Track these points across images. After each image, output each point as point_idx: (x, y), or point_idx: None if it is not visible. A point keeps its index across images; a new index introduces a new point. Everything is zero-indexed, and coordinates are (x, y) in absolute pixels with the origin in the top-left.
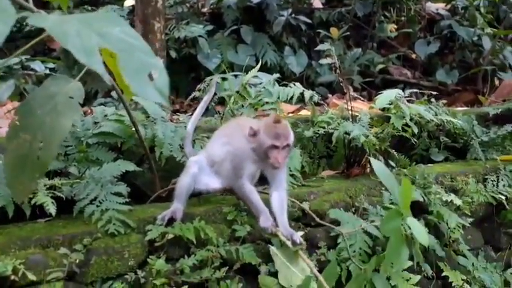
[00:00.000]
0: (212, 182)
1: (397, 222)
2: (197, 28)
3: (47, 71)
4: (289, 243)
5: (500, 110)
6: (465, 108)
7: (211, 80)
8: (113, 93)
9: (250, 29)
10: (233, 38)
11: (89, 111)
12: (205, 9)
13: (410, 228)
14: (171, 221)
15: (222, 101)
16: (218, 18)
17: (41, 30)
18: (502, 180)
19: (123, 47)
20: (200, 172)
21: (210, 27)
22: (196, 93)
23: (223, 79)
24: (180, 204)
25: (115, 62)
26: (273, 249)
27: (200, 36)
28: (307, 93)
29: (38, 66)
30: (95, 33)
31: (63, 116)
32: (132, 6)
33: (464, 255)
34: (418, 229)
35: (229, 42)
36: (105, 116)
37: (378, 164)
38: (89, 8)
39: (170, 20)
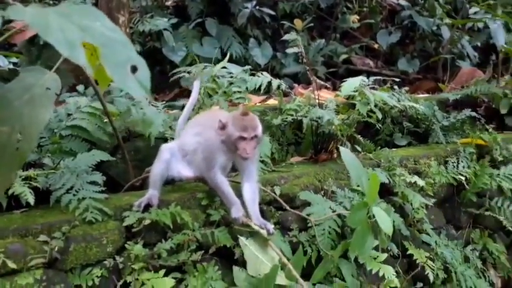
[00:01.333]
0: (184, 170)
1: (363, 213)
2: (162, 21)
3: (10, 66)
4: (263, 232)
5: (459, 96)
6: (426, 95)
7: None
8: (79, 88)
9: (215, 22)
10: (198, 30)
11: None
12: (169, 2)
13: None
14: (147, 207)
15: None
16: (182, 11)
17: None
18: (462, 162)
19: (105, 41)
20: (172, 159)
21: (174, 21)
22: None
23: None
24: (155, 191)
25: (89, 54)
26: (242, 240)
27: (165, 29)
28: (275, 82)
29: (1, 61)
30: (77, 27)
31: (41, 106)
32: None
33: (428, 234)
34: (382, 218)
35: (194, 35)
36: (78, 107)
37: (346, 152)
38: (50, 1)
39: (134, 13)
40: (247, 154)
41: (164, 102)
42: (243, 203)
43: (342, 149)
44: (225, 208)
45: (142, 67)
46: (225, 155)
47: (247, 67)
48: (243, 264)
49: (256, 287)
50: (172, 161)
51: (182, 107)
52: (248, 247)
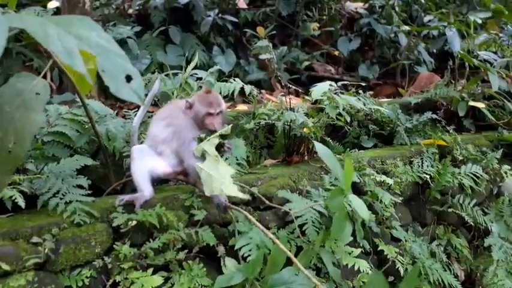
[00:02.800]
0: (160, 166)
1: (341, 200)
2: (125, 29)
3: None
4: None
5: (420, 99)
6: (389, 99)
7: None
8: (54, 96)
9: (178, 30)
10: (162, 38)
11: None
12: (131, 11)
13: (351, 206)
14: (130, 206)
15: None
16: (145, 19)
17: None
18: (426, 161)
19: (101, 50)
20: (145, 156)
21: (138, 29)
22: None
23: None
24: (142, 192)
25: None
26: (198, 165)
27: (128, 37)
28: (247, 88)
29: None
30: (74, 37)
31: (33, 111)
32: (57, 8)
33: (396, 230)
34: (358, 205)
35: (158, 42)
36: (60, 114)
37: (321, 147)
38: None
39: (97, 21)
40: (215, 127)
41: (135, 110)
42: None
43: (317, 144)
44: (207, 208)
45: (137, 77)
46: (195, 133)
47: (215, 68)
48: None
49: (242, 271)
50: (145, 159)
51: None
52: (203, 170)
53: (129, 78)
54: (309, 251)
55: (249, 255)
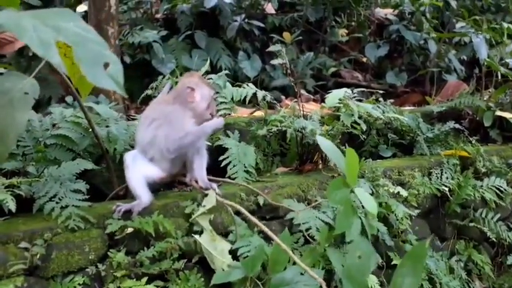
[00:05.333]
0: (153, 171)
1: (345, 192)
2: (151, 33)
3: None
4: (211, 192)
5: (443, 108)
6: (411, 107)
7: (163, 78)
8: (67, 99)
9: (204, 34)
10: (187, 43)
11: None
12: (158, 15)
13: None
14: (128, 213)
15: None
16: (172, 23)
17: None
18: (446, 173)
19: (78, 39)
20: (138, 162)
21: (164, 33)
22: (148, 91)
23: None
24: (140, 199)
25: (71, 62)
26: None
27: (154, 41)
28: (260, 94)
29: None
30: (51, 28)
31: (19, 110)
32: (85, 11)
33: (412, 245)
34: (365, 198)
35: (184, 47)
36: (64, 117)
37: (323, 141)
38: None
39: (124, 25)
40: (214, 111)
41: None
42: (193, 170)
43: (319, 138)
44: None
45: (115, 63)
46: (190, 120)
47: (223, 72)
48: None
49: (241, 268)
50: (137, 164)
51: None
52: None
53: (107, 66)
54: (313, 250)
55: (247, 256)
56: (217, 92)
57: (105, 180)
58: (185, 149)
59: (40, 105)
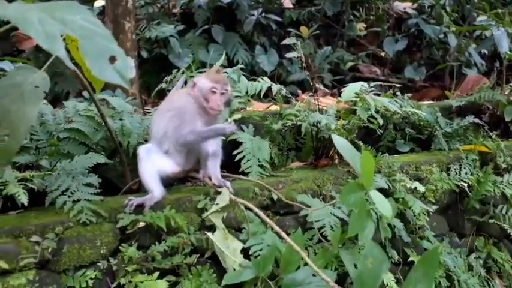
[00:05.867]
0: (167, 166)
1: (359, 195)
2: (168, 28)
3: None
4: (224, 190)
5: (463, 102)
6: (430, 102)
7: (177, 71)
8: (85, 93)
9: (221, 29)
10: (204, 37)
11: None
12: (176, 10)
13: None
14: (140, 208)
15: None
16: (189, 18)
17: (10, 31)
18: (464, 168)
19: (85, 33)
20: (152, 155)
21: (181, 27)
22: (163, 85)
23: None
24: (152, 193)
25: (75, 48)
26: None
27: (171, 36)
28: (275, 87)
29: (7, 66)
30: (57, 21)
31: (29, 104)
32: (103, 6)
33: (429, 241)
34: (380, 201)
35: (201, 41)
36: (77, 111)
37: (338, 139)
38: None
39: (141, 20)
40: (218, 106)
41: None
42: (206, 166)
43: (334, 136)
44: None
45: (122, 57)
46: (194, 120)
47: (238, 66)
48: None
49: (252, 268)
50: (151, 158)
51: None
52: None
53: (113, 60)
54: (326, 251)
55: (259, 255)
56: (224, 91)
57: (118, 174)
58: (191, 146)
59: (58, 100)
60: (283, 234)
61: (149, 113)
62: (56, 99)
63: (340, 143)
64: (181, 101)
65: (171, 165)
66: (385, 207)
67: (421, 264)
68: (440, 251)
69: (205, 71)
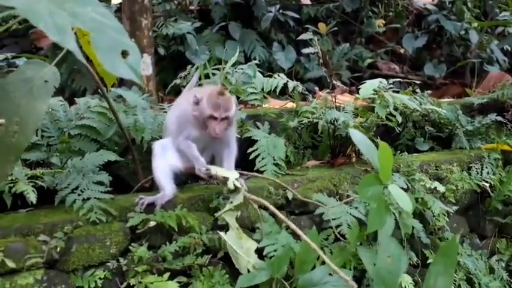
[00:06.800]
0: (177, 161)
1: (378, 189)
2: (185, 25)
3: None
4: (237, 183)
5: (485, 100)
6: (450, 99)
7: (192, 67)
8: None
9: (238, 25)
10: (221, 34)
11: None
12: (193, 6)
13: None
14: (151, 207)
15: None
16: (206, 15)
17: (29, 28)
18: (486, 168)
19: (96, 26)
20: (167, 152)
21: (198, 24)
22: (177, 81)
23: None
24: (164, 191)
25: (86, 42)
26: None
27: (188, 33)
28: (291, 84)
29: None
30: (67, 13)
31: (39, 99)
32: (120, 3)
33: None
34: (400, 196)
35: (218, 38)
36: (88, 107)
37: (356, 134)
38: None
39: (158, 17)
40: (216, 133)
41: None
42: (221, 165)
43: (352, 130)
44: None
45: (134, 52)
46: (195, 129)
47: (253, 62)
48: None
49: (266, 269)
50: (166, 154)
51: None
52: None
53: (126, 54)
54: (343, 250)
55: (273, 256)
56: (225, 117)
57: (130, 171)
58: (182, 153)
59: (75, 97)
60: (299, 232)
61: (163, 109)
62: (73, 96)
63: (358, 137)
64: (185, 107)
65: (184, 161)
66: (404, 201)
67: (439, 257)
68: (460, 253)
69: (218, 69)
